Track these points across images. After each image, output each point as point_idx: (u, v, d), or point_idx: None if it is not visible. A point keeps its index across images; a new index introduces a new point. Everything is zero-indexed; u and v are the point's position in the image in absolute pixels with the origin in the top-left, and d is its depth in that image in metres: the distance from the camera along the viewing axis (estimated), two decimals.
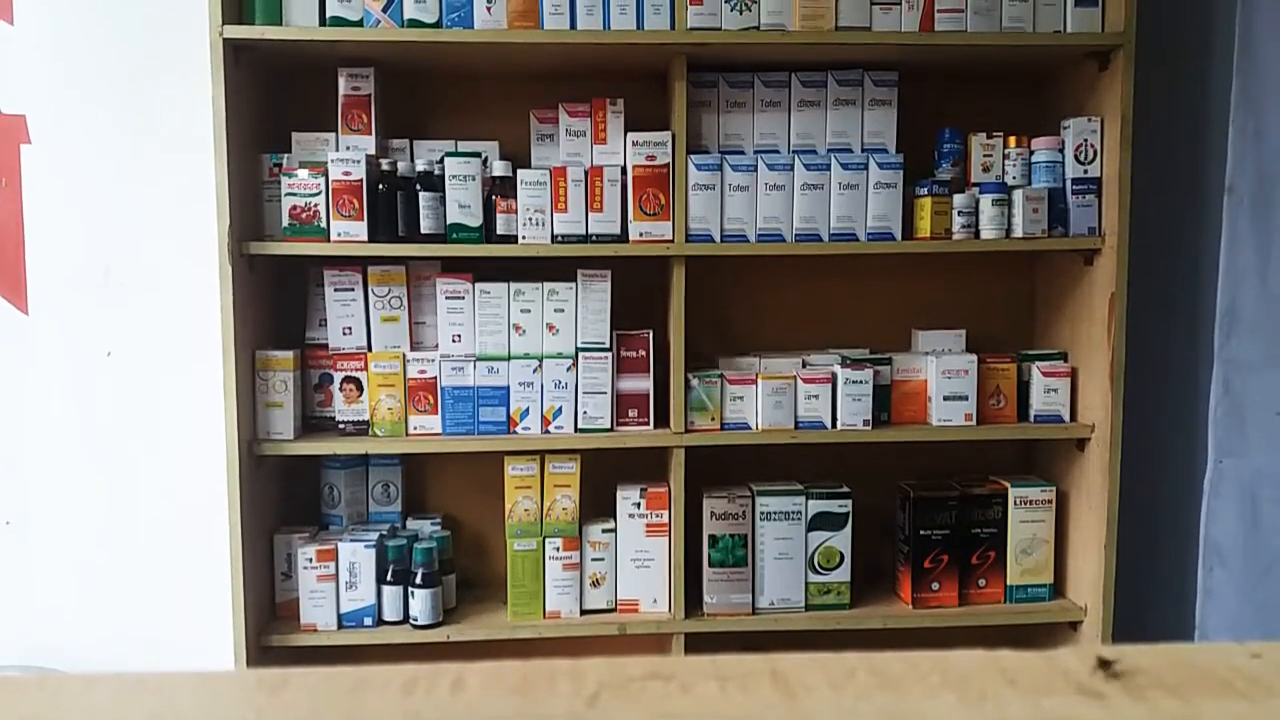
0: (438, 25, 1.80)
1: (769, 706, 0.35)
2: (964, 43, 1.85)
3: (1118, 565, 1.93)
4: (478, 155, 1.88)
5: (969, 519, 2.00)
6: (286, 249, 1.83)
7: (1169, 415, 2.10)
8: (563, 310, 1.90)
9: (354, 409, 1.90)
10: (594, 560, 1.95)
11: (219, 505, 1.81)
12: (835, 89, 1.95)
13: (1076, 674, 0.37)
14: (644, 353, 1.93)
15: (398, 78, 1.98)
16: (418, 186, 1.85)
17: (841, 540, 1.97)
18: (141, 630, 2.11)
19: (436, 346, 1.92)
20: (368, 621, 1.90)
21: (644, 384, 1.93)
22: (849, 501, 1.97)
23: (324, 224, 1.84)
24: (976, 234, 1.93)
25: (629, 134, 1.89)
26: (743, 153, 1.93)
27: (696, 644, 1.96)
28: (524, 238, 1.86)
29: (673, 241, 1.87)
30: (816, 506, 1.96)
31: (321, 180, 1.83)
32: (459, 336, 1.90)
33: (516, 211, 1.86)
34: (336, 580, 1.89)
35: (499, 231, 1.86)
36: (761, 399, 1.91)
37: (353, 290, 1.92)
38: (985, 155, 1.98)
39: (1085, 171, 1.92)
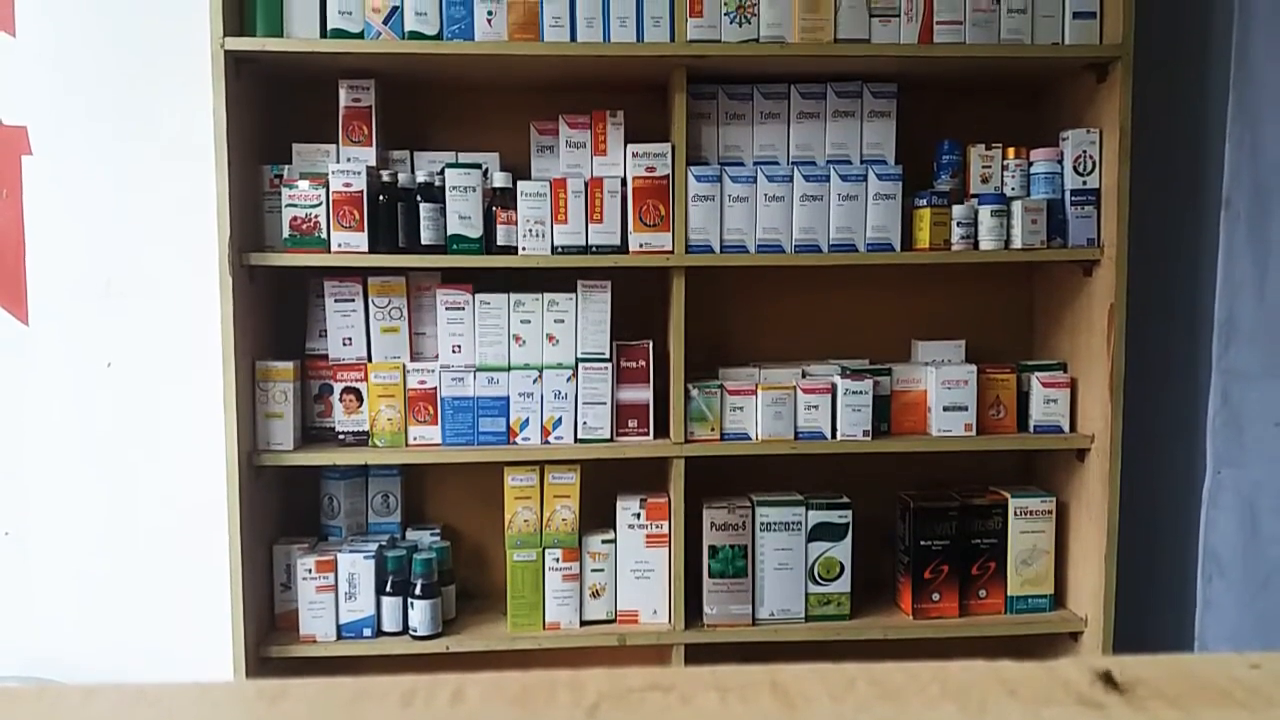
0: (438, 37, 1.81)
1: (769, 717, 0.35)
2: (963, 54, 1.86)
3: (1118, 576, 1.93)
4: (478, 167, 1.88)
5: (969, 529, 2.00)
6: (287, 260, 1.83)
7: (1168, 426, 2.10)
8: (563, 321, 1.90)
9: (354, 419, 1.90)
10: (594, 571, 1.95)
11: (218, 516, 1.81)
12: (834, 100, 1.95)
13: (1077, 685, 0.37)
14: (644, 363, 1.93)
15: (398, 89, 1.99)
16: (418, 198, 1.85)
17: (841, 551, 1.96)
18: (141, 641, 2.10)
19: (436, 357, 1.92)
20: (367, 632, 1.90)
21: (644, 394, 1.93)
22: (849, 512, 1.97)
23: (324, 235, 1.84)
24: (975, 245, 1.93)
25: (629, 145, 1.89)
26: (742, 164, 1.94)
27: (696, 655, 1.95)
28: (524, 249, 1.86)
29: (672, 252, 1.87)
30: (816, 517, 1.96)
31: (322, 191, 1.84)
32: (459, 347, 1.91)
33: (517, 223, 1.86)
34: (336, 591, 1.89)
35: (499, 242, 1.87)
36: (761, 409, 1.91)
37: (353, 301, 1.92)
38: (984, 166, 1.98)
39: (1084, 183, 1.93)
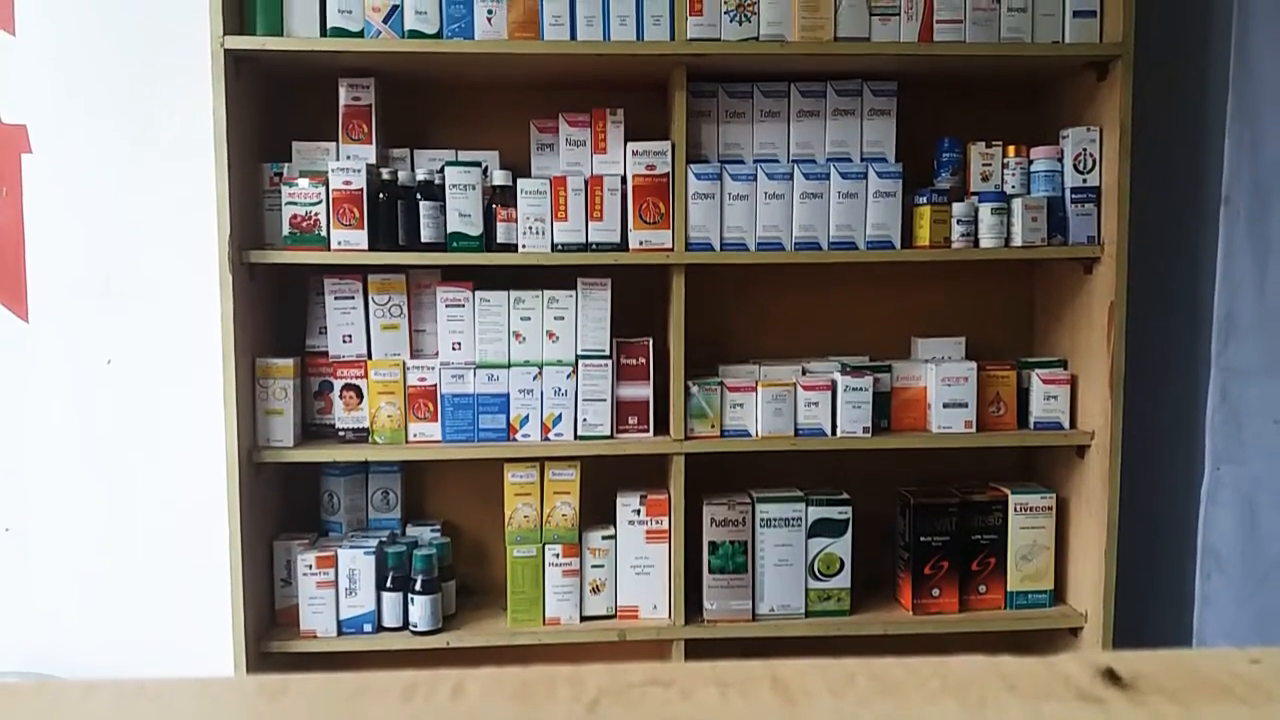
0: (438, 36, 1.81)
1: (769, 712, 0.35)
2: (963, 53, 1.86)
3: (1117, 572, 1.93)
4: (478, 164, 1.88)
5: (969, 525, 2.00)
6: (287, 257, 1.83)
7: (1168, 422, 2.10)
8: (563, 318, 1.90)
9: (354, 416, 1.90)
10: (594, 567, 1.95)
11: (219, 512, 1.81)
12: (834, 99, 1.95)
13: (1077, 680, 0.37)
14: (644, 360, 1.93)
15: (398, 88, 1.99)
16: (418, 195, 1.85)
17: (841, 547, 1.96)
18: (141, 637, 2.11)
19: (436, 354, 1.92)
20: (367, 628, 1.90)
21: (644, 391, 1.93)
22: (849, 508, 1.97)
23: (324, 233, 1.84)
24: (976, 243, 1.93)
25: (629, 143, 1.89)
26: (742, 162, 1.94)
27: (696, 650, 1.95)
28: (524, 246, 1.86)
29: (672, 250, 1.87)
30: (816, 513, 1.96)
31: (322, 189, 1.84)
32: (459, 344, 1.91)
33: (516, 220, 1.86)
34: (336, 587, 1.89)
35: (499, 240, 1.87)
36: (761, 406, 1.91)
37: (353, 298, 1.92)
38: (984, 164, 1.98)
39: (1084, 180, 1.93)
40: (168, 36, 2.00)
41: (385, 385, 1.90)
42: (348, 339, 1.92)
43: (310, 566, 1.88)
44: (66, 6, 2.02)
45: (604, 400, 1.90)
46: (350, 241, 1.83)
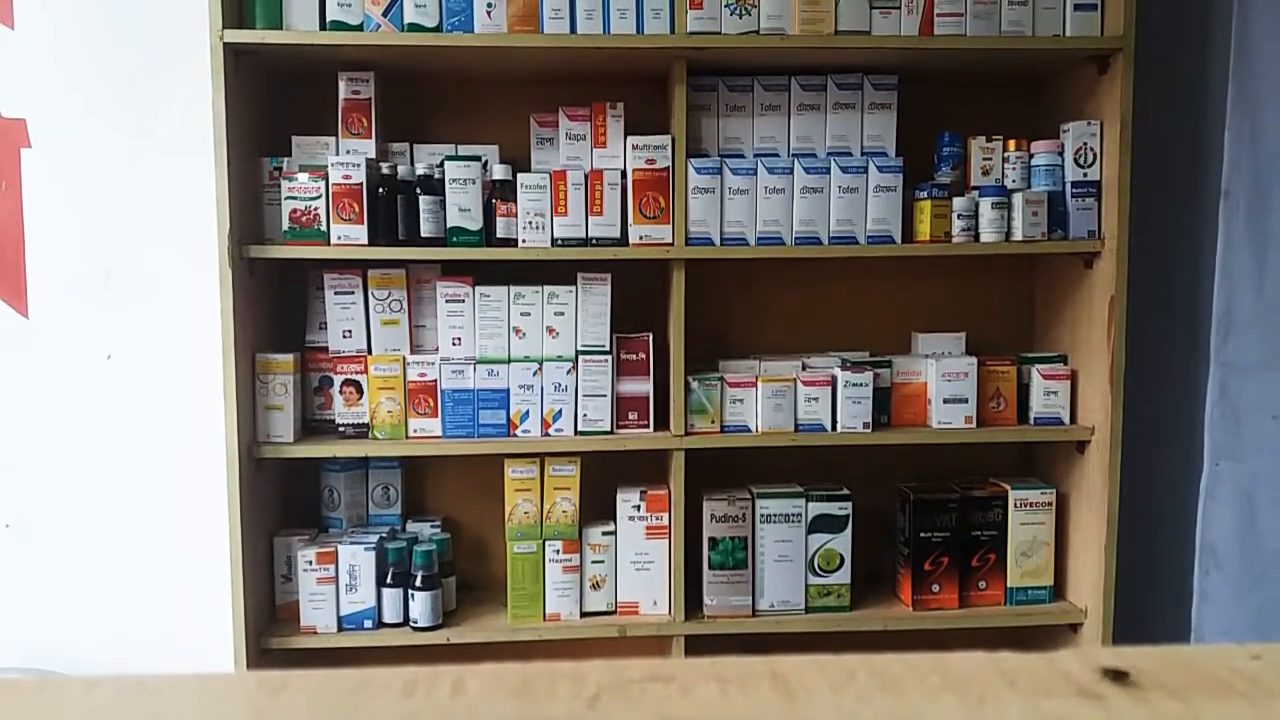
0: (438, 29, 1.81)
1: (769, 708, 0.35)
2: (963, 46, 1.86)
3: (1118, 568, 1.93)
4: (478, 159, 1.88)
5: (969, 521, 2.00)
6: (287, 252, 1.83)
7: (1167, 418, 2.10)
8: (563, 313, 1.90)
9: (354, 412, 1.90)
10: (594, 563, 1.95)
11: (219, 508, 1.81)
12: (835, 92, 1.95)
13: (1077, 676, 0.37)
14: (644, 355, 1.93)
15: (398, 81, 1.99)
16: (418, 190, 1.85)
17: (841, 542, 1.97)
18: (142, 632, 2.11)
19: (436, 349, 1.92)
20: (368, 624, 1.90)
21: (644, 387, 1.93)
22: (849, 504, 1.97)
23: (324, 227, 1.84)
24: (976, 237, 1.93)
25: (629, 137, 1.89)
26: (742, 156, 1.93)
27: (697, 646, 1.96)
28: (524, 241, 1.86)
29: (673, 245, 1.87)
30: (816, 509, 1.96)
31: (321, 184, 1.83)
32: (459, 339, 1.91)
33: (516, 215, 1.86)
34: (336, 583, 1.89)
35: (499, 235, 1.86)
36: (761, 401, 1.91)
37: (353, 293, 1.92)
38: (985, 158, 1.98)
39: (1085, 175, 1.93)
40: (167, 30, 2.00)
41: (385, 381, 1.89)
42: (348, 334, 1.92)
43: (310, 562, 1.88)
44: (65, 0, 2.02)
45: (604, 396, 1.90)
46: (350, 236, 1.83)
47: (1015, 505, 2.01)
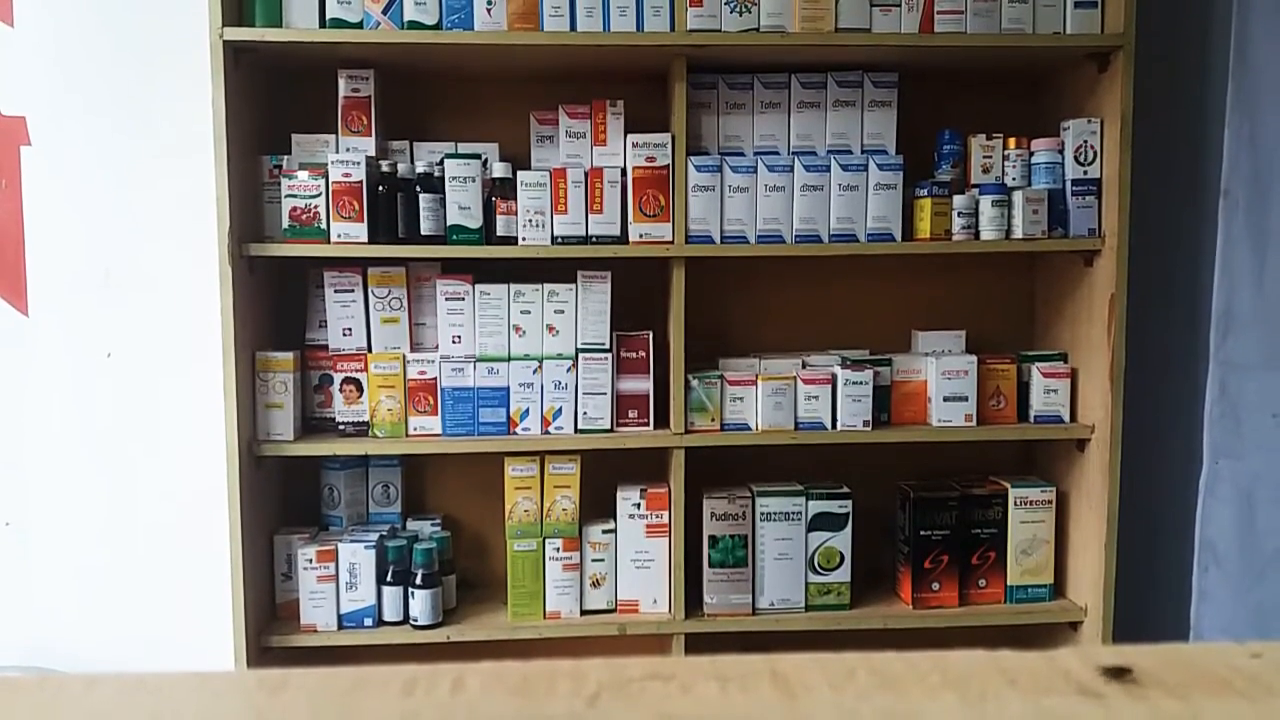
0: (438, 27, 1.81)
1: (769, 707, 0.35)
2: (964, 44, 1.86)
3: (1117, 566, 1.93)
4: (478, 157, 1.88)
5: (969, 519, 2.00)
6: (286, 250, 1.83)
7: (1167, 416, 2.10)
8: (563, 311, 1.90)
9: (354, 410, 1.90)
10: (594, 561, 1.95)
11: (219, 506, 1.81)
12: (835, 90, 1.95)
13: (1077, 674, 0.37)
14: (644, 353, 1.93)
15: (398, 79, 1.99)
16: (418, 188, 1.85)
17: (841, 541, 1.97)
18: (142, 631, 2.11)
19: (436, 347, 1.92)
20: (368, 622, 1.90)
21: (644, 385, 1.93)
22: (849, 502, 1.97)
23: (324, 225, 1.84)
24: (976, 235, 1.93)
25: (629, 135, 1.89)
26: (742, 154, 1.93)
27: (696, 644, 1.96)
28: (524, 239, 1.86)
29: (673, 243, 1.87)
30: (816, 507, 1.96)
31: (321, 182, 1.83)
32: (459, 337, 1.91)
33: (516, 213, 1.86)
34: (336, 581, 1.89)
35: (499, 233, 1.86)
36: (761, 400, 1.91)
37: (353, 291, 1.92)
38: (985, 156, 1.98)
39: (1085, 172, 1.92)
40: (166, 28, 2.00)
41: (385, 379, 1.89)
42: (348, 332, 1.92)
43: (310, 560, 1.88)
44: None
45: (604, 394, 1.90)
46: (350, 234, 1.83)
47: (1015, 503, 2.01)
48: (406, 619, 1.90)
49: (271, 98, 1.97)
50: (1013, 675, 0.37)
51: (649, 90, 2.00)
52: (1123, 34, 1.84)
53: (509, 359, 1.90)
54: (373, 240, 1.84)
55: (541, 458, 1.92)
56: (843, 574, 1.97)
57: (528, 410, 1.90)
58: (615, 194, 1.88)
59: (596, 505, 1.97)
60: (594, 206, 1.87)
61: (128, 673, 0.38)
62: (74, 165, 2.05)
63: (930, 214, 1.91)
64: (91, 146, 2.04)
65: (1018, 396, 2.00)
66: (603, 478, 1.97)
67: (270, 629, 1.90)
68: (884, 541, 2.10)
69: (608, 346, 1.91)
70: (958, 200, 1.92)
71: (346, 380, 1.90)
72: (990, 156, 1.98)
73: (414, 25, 1.80)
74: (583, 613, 1.95)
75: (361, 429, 1.91)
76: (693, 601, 1.95)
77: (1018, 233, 1.92)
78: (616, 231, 1.88)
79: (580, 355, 1.90)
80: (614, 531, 1.95)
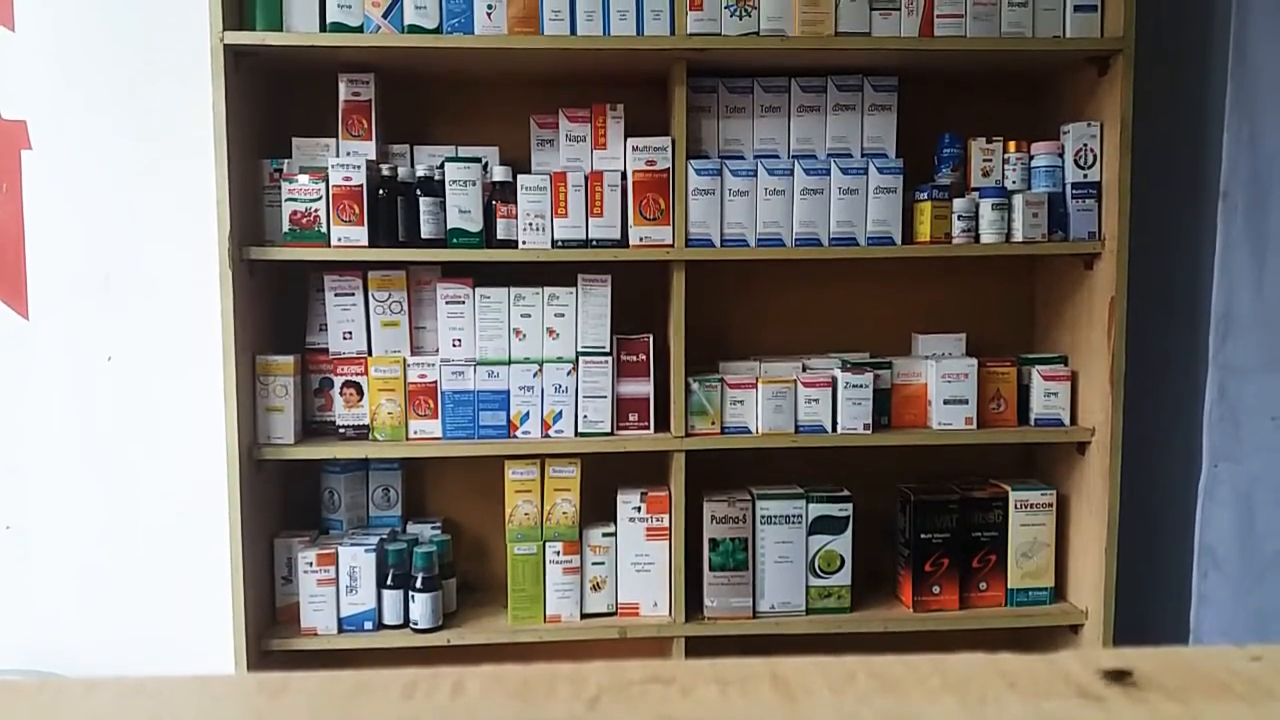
0: (438, 31, 1.81)
1: (769, 710, 0.35)
2: (963, 48, 1.86)
3: (1118, 569, 1.93)
4: (478, 160, 1.88)
5: (969, 522, 2.00)
6: (287, 254, 1.83)
7: (1167, 419, 2.10)
8: (563, 315, 1.90)
9: (354, 413, 1.90)
10: (594, 564, 1.95)
11: (219, 509, 1.81)
12: (835, 94, 1.95)
13: (1077, 677, 0.37)
14: (644, 357, 1.93)
15: (398, 83, 1.99)
16: (418, 192, 1.85)
17: (842, 544, 1.97)
18: (142, 634, 2.11)
19: (437, 351, 1.92)
20: (368, 625, 1.90)
21: (644, 388, 1.93)
22: (849, 505, 1.97)
23: (324, 229, 1.84)
24: (976, 238, 1.93)
25: (629, 139, 1.89)
26: (742, 158, 1.93)
27: (697, 648, 1.95)
28: (524, 243, 1.86)
29: (673, 246, 1.87)
30: (817, 510, 1.96)
31: (322, 185, 1.84)
32: (459, 341, 1.91)
33: (517, 216, 1.86)
34: (337, 584, 1.89)
35: (499, 236, 1.86)
36: (762, 403, 1.91)
37: (353, 295, 1.92)
38: (985, 160, 1.98)
39: (1085, 176, 1.93)
40: (167, 31, 2.00)
41: (385, 382, 1.90)
42: (348, 336, 1.92)
43: (311, 564, 1.88)
44: (66, 1, 2.02)
45: (604, 397, 1.90)
46: (350, 238, 1.83)
47: (1015, 506, 2.01)
48: (407, 622, 1.90)
49: (272, 101, 1.97)
50: (1013, 678, 0.37)
51: (649, 94, 2.00)
52: (1122, 38, 1.84)
53: (509, 362, 1.90)
54: (373, 244, 1.84)
55: (542, 461, 1.92)
56: (843, 577, 1.97)
57: (528, 413, 1.90)
58: (615, 197, 1.88)
59: (597, 508, 1.97)
60: (594, 210, 1.88)
61: (127, 676, 0.38)
62: (74, 169, 2.05)
63: (930, 217, 1.91)
64: (92, 150, 2.05)
65: (1018, 399, 2.00)
66: (603, 481, 1.97)
67: (270, 632, 1.89)
68: (884, 544, 2.10)
69: (608, 350, 1.91)
70: (958, 203, 1.92)
71: (347, 383, 1.90)
72: (990, 160, 1.98)
73: (414, 29, 1.80)
74: (583, 616, 1.95)
75: (362, 432, 1.91)
76: (693, 605, 1.95)
77: (1018, 236, 1.92)
78: (617, 235, 1.88)
79: (580, 358, 1.90)
80: (614, 535, 1.95)
